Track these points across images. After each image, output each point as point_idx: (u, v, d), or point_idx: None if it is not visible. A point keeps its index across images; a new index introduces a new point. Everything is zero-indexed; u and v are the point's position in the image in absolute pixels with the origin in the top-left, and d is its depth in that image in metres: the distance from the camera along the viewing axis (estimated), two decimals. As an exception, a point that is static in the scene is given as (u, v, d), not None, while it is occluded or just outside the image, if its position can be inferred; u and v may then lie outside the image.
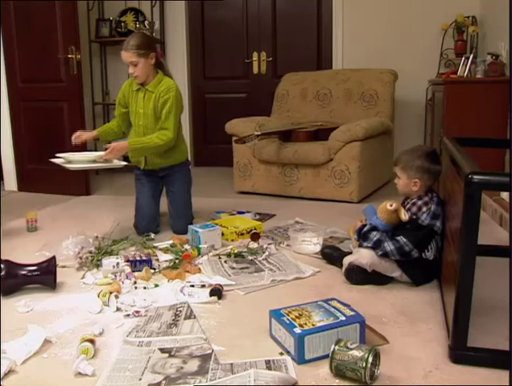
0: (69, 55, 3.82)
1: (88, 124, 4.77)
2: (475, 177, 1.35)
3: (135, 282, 2.07)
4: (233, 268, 2.26)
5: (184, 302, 1.90)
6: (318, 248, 2.44)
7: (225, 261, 2.35)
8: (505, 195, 2.95)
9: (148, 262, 2.26)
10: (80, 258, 2.31)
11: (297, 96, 4.30)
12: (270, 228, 2.89)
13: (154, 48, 2.75)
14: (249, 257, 2.38)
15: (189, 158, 3.07)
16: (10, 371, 1.44)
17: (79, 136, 2.74)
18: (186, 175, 2.94)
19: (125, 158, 2.95)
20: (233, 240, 2.65)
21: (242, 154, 3.87)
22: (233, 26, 5.03)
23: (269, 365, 1.44)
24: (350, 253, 2.18)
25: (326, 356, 1.42)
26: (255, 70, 5.05)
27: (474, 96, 3.43)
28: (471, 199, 1.38)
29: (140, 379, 1.39)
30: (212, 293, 1.94)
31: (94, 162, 2.66)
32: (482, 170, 1.38)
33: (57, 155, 2.68)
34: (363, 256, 2.03)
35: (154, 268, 2.25)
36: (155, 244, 2.55)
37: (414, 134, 4.50)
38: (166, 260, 2.34)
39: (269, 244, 2.55)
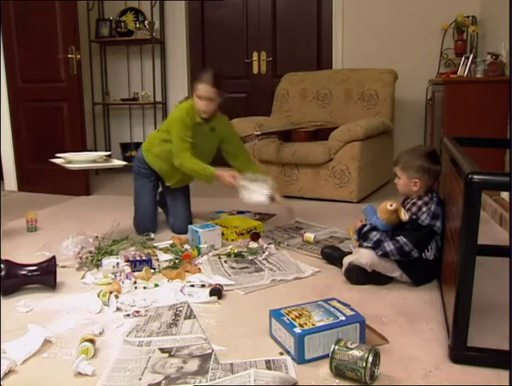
0: (69, 55, 3.83)
1: (88, 124, 4.77)
2: (475, 177, 1.35)
3: (135, 282, 2.07)
4: (233, 268, 2.26)
5: (184, 302, 1.90)
6: (264, 198, 2.49)
7: (225, 261, 2.35)
8: (505, 194, 2.95)
9: (148, 262, 2.26)
10: (80, 258, 2.31)
11: (297, 96, 4.31)
12: (270, 228, 2.89)
13: (223, 86, 2.74)
14: (249, 257, 2.38)
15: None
16: (10, 371, 1.44)
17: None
18: None
19: (125, 158, 2.95)
20: (233, 240, 2.65)
21: (242, 154, 3.86)
22: (233, 26, 5.03)
23: (269, 365, 1.44)
24: (350, 253, 2.18)
25: (326, 356, 1.42)
26: (255, 70, 5.05)
27: (474, 96, 3.43)
28: (471, 199, 1.38)
29: (140, 379, 1.39)
30: (212, 293, 1.94)
31: (94, 161, 2.65)
32: (482, 170, 1.38)
33: (57, 155, 2.68)
34: (363, 256, 2.03)
35: (154, 268, 2.25)
36: (155, 244, 2.55)
37: (414, 134, 4.50)
38: (166, 260, 2.34)
39: (269, 243, 2.55)
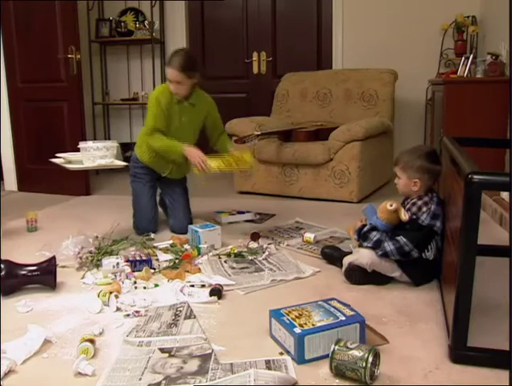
0: (69, 55, 3.83)
1: (88, 124, 4.77)
2: (475, 177, 1.35)
3: (135, 282, 2.07)
4: (233, 268, 2.26)
5: (184, 302, 1.90)
6: (109, 161, 2.51)
7: (225, 261, 2.35)
8: (505, 194, 2.95)
9: (148, 262, 2.26)
10: (80, 258, 2.31)
11: (297, 96, 4.30)
12: (270, 228, 2.89)
13: (198, 68, 2.74)
14: (249, 257, 2.38)
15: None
16: (10, 371, 1.44)
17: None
18: (184, 176, 2.98)
19: (126, 159, 2.95)
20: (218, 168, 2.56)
21: (242, 154, 3.86)
22: (233, 26, 5.03)
23: (269, 365, 1.44)
24: (350, 253, 2.18)
25: (326, 356, 1.42)
26: (255, 70, 5.05)
27: (474, 96, 3.43)
28: (471, 199, 1.38)
29: (140, 379, 1.39)
30: (212, 293, 1.94)
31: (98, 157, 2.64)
32: (482, 170, 1.38)
33: (57, 155, 2.68)
34: (363, 256, 2.03)
35: (154, 268, 2.25)
36: (155, 244, 2.55)
37: (414, 134, 4.50)
38: (166, 260, 2.34)
39: (269, 243, 2.55)
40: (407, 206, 2.07)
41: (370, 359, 1.34)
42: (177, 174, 2.90)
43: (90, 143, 2.58)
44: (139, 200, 2.89)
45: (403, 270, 2.02)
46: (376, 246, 2.00)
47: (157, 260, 2.36)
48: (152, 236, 2.70)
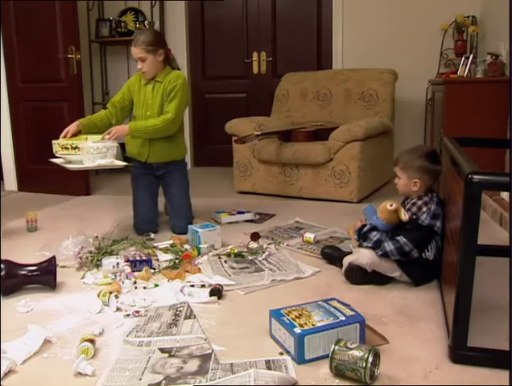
0: (69, 55, 3.83)
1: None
2: (475, 177, 1.35)
3: (135, 282, 2.07)
4: (233, 268, 2.27)
5: (184, 302, 1.90)
6: (109, 161, 2.50)
7: (225, 261, 2.35)
8: (505, 195, 2.95)
9: (148, 262, 2.26)
10: (80, 258, 2.30)
11: (297, 96, 4.30)
12: (270, 228, 2.89)
13: (163, 45, 2.79)
14: (249, 257, 2.38)
15: (188, 159, 3.07)
16: (10, 371, 1.44)
17: (66, 133, 2.67)
18: (184, 175, 2.95)
19: (126, 159, 2.95)
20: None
21: (242, 154, 3.87)
22: (233, 26, 5.03)
23: (269, 365, 1.44)
24: (350, 253, 2.18)
25: (326, 356, 1.42)
26: (255, 70, 5.05)
27: (474, 96, 3.43)
28: (471, 199, 1.38)
29: (140, 379, 1.39)
30: (212, 293, 1.94)
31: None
32: (482, 170, 1.38)
33: (57, 155, 2.68)
34: (363, 256, 2.03)
35: (154, 268, 2.25)
36: (155, 244, 2.55)
37: (414, 134, 4.50)
38: (166, 260, 2.35)
39: (269, 243, 2.55)
40: (407, 206, 2.07)
41: (370, 359, 1.34)
42: (155, 157, 2.84)
43: (90, 143, 2.58)
44: (137, 201, 2.91)
45: (403, 270, 2.02)
46: (376, 246, 2.00)
47: (157, 260, 2.36)
48: (152, 236, 2.70)
